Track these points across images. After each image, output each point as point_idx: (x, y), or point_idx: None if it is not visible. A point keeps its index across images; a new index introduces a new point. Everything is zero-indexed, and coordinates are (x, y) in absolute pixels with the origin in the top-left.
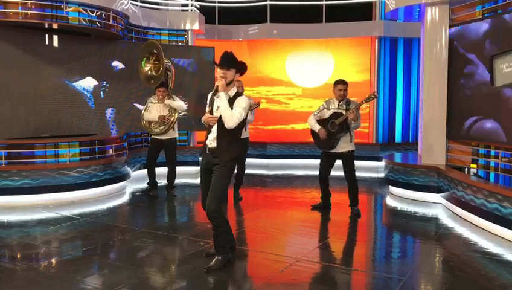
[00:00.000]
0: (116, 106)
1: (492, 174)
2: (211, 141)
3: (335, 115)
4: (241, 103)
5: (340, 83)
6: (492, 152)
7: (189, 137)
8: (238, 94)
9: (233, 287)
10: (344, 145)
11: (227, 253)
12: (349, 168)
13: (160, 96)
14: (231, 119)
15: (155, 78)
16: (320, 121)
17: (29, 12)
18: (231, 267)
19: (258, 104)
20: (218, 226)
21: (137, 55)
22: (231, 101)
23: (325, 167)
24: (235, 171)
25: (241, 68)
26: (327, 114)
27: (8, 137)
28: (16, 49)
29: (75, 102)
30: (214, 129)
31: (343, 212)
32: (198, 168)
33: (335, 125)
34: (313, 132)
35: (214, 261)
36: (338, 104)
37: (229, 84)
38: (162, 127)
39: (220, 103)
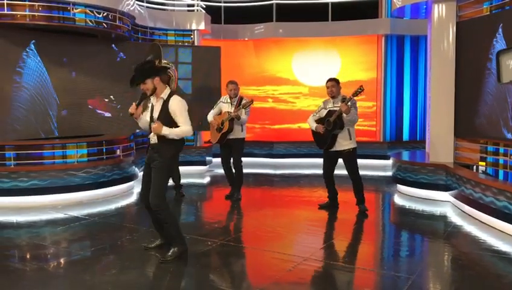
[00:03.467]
0: (122, 106)
1: (501, 172)
2: (152, 137)
3: (329, 113)
4: (176, 108)
5: (329, 81)
6: (501, 149)
7: (196, 137)
8: (171, 94)
9: (241, 287)
10: (343, 143)
11: (183, 243)
12: (351, 167)
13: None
14: (187, 133)
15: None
16: (319, 121)
17: (36, 14)
18: (188, 256)
19: (251, 101)
20: (166, 219)
21: (143, 56)
22: (166, 102)
23: (327, 166)
24: (234, 172)
25: (153, 73)
26: (324, 113)
27: (18, 139)
28: (22, 50)
29: (82, 103)
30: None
31: (351, 211)
32: (205, 167)
33: (330, 123)
34: (313, 132)
35: (170, 252)
36: (333, 102)
37: (154, 92)
38: None
39: (164, 131)
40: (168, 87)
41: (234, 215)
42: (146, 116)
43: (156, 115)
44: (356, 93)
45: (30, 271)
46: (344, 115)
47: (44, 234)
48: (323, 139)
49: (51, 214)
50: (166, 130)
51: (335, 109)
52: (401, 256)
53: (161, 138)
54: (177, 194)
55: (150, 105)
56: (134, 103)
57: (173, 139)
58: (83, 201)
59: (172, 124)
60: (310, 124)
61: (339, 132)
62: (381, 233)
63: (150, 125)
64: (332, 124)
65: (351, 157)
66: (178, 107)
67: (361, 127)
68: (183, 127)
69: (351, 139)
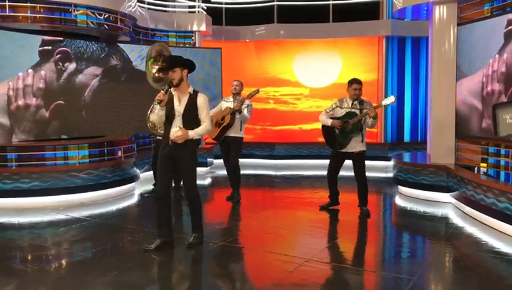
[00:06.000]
0: (124, 107)
1: (502, 173)
2: (176, 133)
3: (349, 115)
4: (202, 103)
5: (356, 82)
6: (503, 151)
7: None
8: (196, 92)
9: (242, 288)
10: (355, 145)
11: (202, 232)
12: (359, 169)
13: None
14: (208, 130)
15: (163, 80)
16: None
17: (38, 15)
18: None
19: (257, 90)
20: (196, 208)
21: (146, 55)
22: (193, 98)
23: (334, 166)
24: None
25: (186, 65)
26: (340, 113)
27: (24, 139)
28: (25, 52)
29: (85, 103)
30: (178, 124)
31: (352, 213)
32: (207, 169)
33: (349, 125)
34: (324, 131)
35: (192, 238)
36: (352, 104)
37: (180, 83)
38: None
39: (190, 135)
40: (190, 85)
41: (235, 217)
42: (161, 110)
43: (182, 108)
44: (388, 104)
45: (32, 272)
46: (369, 119)
47: (45, 235)
48: (338, 140)
49: (52, 215)
50: (191, 133)
51: (354, 110)
52: (403, 257)
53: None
54: (177, 195)
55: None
56: (162, 90)
57: None
58: (84, 202)
59: (195, 118)
60: (324, 121)
61: (354, 135)
62: (382, 234)
63: (166, 119)
64: (351, 126)
65: (360, 159)
66: (205, 104)
67: None
68: (205, 124)
69: (362, 141)
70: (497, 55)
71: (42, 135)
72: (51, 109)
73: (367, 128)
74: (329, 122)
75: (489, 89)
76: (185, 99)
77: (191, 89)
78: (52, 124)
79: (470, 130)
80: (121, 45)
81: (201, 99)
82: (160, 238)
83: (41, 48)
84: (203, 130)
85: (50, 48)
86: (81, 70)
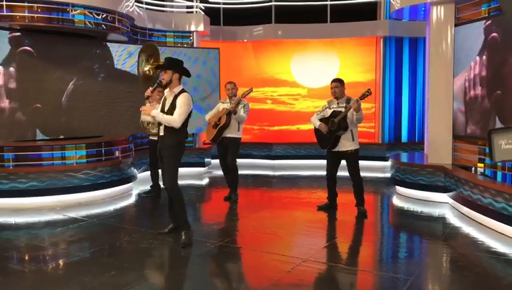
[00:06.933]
0: (122, 107)
1: (499, 174)
2: (161, 131)
3: (334, 114)
4: (180, 102)
5: (333, 82)
6: None
7: (194, 138)
8: (182, 91)
9: (240, 288)
10: (346, 144)
11: (189, 227)
12: (353, 168)
13: (157, 97)
14: (173, 122)
15: (151, 78)
16: (322, 120)
17: (35, 15)
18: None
19: (251, 89)
20: (177, 203)
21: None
22: (176, 96)
23: (331, 167)
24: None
25: (177, 68)
26: (328, 113)
27: (17, 140)
28: (23, 52)
29: (82, 104)
30: None
31: (350, 213)
32: (204, 169)
33: (334, 123)
34: (315, 131)
35: (183, 237)
36: (338, 103)
37: (169, 83)
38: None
39: (152, 112)
40: (181, 85)
41: (233, 217)
42: (157, 109)
43: (166, 107)
44: (364, 96)
45: (29, 272)
46: (353, 113)
47: (43, 235)
48: (326, 139)
49: (49, 215)
50: (154, 113)
51: (339, 109)
52: (400, 257)
53: (165, 131)
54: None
55: (162, 99)
56: (150, 87)
57: (174, 132)
58: (81, 202)
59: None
60: (314, 122)
61: (342, 133)
62: (380, 234)
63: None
64: (336, 124)
65: (353, 158)
66: (182, 100)
67: (359, 128)
68: (173, 117)
69: (353, 140)
70: (477, 58)
71: (20, 136)
72: (29, 111)
73: (358, 126)
74: (317, 124)
75: (472, 93)
76: (170, 99)
77: (177, 89)
78: (29, 125)
79: (457, 129)
80: (108, 44)
81: (180, 98)
82: (172, 223)
83: (10, 35)
84: (166, 118)
85: (19, 33)
86: (79, 70)
